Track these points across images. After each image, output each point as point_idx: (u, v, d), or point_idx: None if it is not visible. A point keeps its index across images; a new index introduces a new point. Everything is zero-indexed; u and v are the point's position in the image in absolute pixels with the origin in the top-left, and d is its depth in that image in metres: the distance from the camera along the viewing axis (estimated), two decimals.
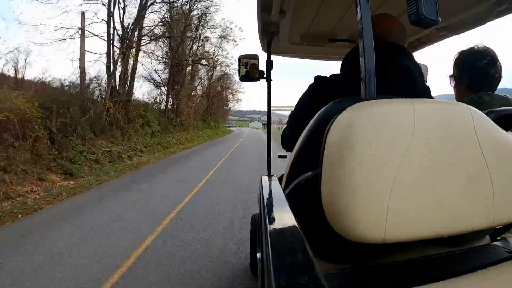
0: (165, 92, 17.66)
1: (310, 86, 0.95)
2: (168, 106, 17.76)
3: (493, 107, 0.95)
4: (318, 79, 0.94)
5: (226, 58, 22.43)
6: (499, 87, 1.19)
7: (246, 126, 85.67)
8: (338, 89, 0.80)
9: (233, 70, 25.10)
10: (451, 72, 1.28)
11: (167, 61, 17.84)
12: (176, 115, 17.82)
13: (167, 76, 17.80)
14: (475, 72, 1.17)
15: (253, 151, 12.69)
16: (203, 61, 21.60)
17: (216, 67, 23.24)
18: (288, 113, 1.09)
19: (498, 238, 0.86)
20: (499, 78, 1.17)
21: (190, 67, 21.84)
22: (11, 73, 9.52)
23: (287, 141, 1.06)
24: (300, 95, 0.99)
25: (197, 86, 25.14)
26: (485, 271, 0.63)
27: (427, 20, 0.55)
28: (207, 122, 28.39)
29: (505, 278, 0.64)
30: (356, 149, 0.52)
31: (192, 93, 23.52)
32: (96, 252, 2.69)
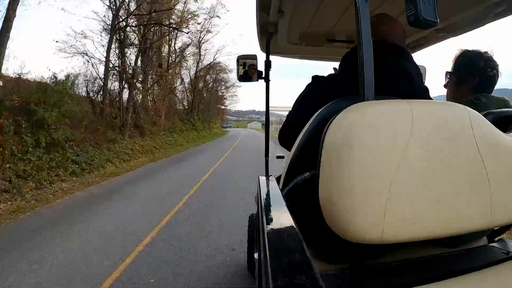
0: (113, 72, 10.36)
1: (308, 86, 0.95)
2: (111, 95, 10.65)
3: (489, 108, 0.95)
4: (316, 78, 0.94)
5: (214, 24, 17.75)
6: (500, 87, 1.19)
7: (245, 127, 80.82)
8: (336, 89, 0.80)
9: (224, 54, 22.04)
10: (450, 70, 1.27)
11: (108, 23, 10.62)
12: (127, 110, 10.63)
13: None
14: (486, 78, 1.17)
15: (246, 182, 5.65)
16: (169, 20, 13.35)
17: (192, 33, 15.82)
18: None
19: (495, 239, 0.86)
20: (494, 79, 1.17)
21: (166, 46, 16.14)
22: None
23: (285, 139, 1.05)
24: (298, 95, 0.99)
25: (170, 67, 17.24)
26: (482, 272, 0.64)
27: (425, 21, 0.55)
28: (192, 122, 21.16)
29: (502, 279, 0.64)
30: (354, 149, 0.52)
31: (167, 81, 16.08)
32: None
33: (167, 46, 17.69)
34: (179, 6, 14.22)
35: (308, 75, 0.98)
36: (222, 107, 44.88)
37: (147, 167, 8.21)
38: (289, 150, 0.88)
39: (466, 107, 0.60)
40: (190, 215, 3.84)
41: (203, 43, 21.44)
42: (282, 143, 1.11)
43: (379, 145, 0.53)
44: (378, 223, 0.51)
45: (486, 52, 1.19)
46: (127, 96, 11.06)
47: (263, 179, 1.10)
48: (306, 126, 0.76)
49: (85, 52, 10.52)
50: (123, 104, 10.75)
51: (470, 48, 1.22)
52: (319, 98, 0.79)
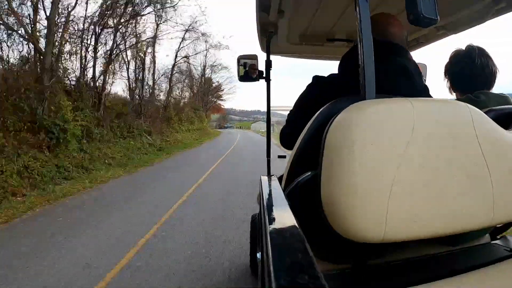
0: None
1: (309, 86, 0.95)
2: None
3: (490, 105, 0.95)
4: (316, 78, 0.94)
5: None
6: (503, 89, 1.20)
7: (248, 128, 65.11)
8: (336, 88, 0.80)
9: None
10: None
11: None
12: None
13: None
14: (453, 76, 1.24)
15: None
16: None
17: None
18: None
19: (498, 237, 0.86)
20: (486, 76, 1.16)
21: None
22: None
23: (286, 139, 1.05)
24: (299, 94, 0.99)
25: None
26: (485, 270, 0.64)
27: (425, 19, 0.55)
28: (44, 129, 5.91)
29: (505, 277, 0.64)
30: (356, 148, 0.52)
31: None
32: None
33: None
34: None
35: (312, 74, 0.98)
36: (214, 99, 33.23)
37: None
38: (291, 149, 0.88)
39: (467, 104, 0.60)
40: None
41: None
42: (283, 143, 1.11)
43: (381, 144, 0.53)
44: (380, 222, 0.51)
45: (456, 51, 1.22)
46: None
47: (265, 179, 1.10)
48: (307, 125, 0.76)
49: None
50: None
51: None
52: (319, 98, 0.79)
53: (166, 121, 15.67)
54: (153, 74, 15.42)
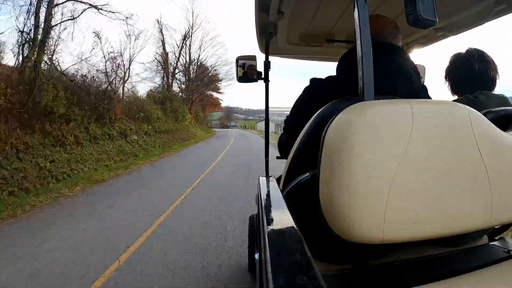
0: None
1: (306, 88, 0.94)
2: None
3: (489, 106, 0.95)
4: (313, 81, 0.93)
5: None
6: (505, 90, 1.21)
7: (253, 127, 57.16)
8: (334, 90, 0.80)
9: None
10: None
11: None
12: None
13: None
14: (454, 80, 1.27)
15: None
16: None
17: None
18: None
19: (496, 238, 0.86)
20: (485, 81, 1.17)
21: None
22: None
23: (286, 148, 1.01)
24: (296, 98, 0.98)
25: None
26: (483, 271, 0.64)
27: (425, 20, 0.55)
28: None
29: (503, 278, 0.64)
30: (355, 149, 0.52)
31: None
32: None
33: None
34: None
35: (314, 75, 0.97)
36: (210, 92, 27.40)
37: None
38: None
39: (466, 106, 0.60)
40: None
41: None
42: (282, 152, 1.09)
43: (380, 145, 0.53)
44: (379, 223, 0.51)
45: (457, 54, 1.25)
46: None
47: (263, 179, 1.10)
48: (306, 126, 0.76)
49: None
50: None
51: (464, 49, 1.26)
52: (317, 100, 0.78)
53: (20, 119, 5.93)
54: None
